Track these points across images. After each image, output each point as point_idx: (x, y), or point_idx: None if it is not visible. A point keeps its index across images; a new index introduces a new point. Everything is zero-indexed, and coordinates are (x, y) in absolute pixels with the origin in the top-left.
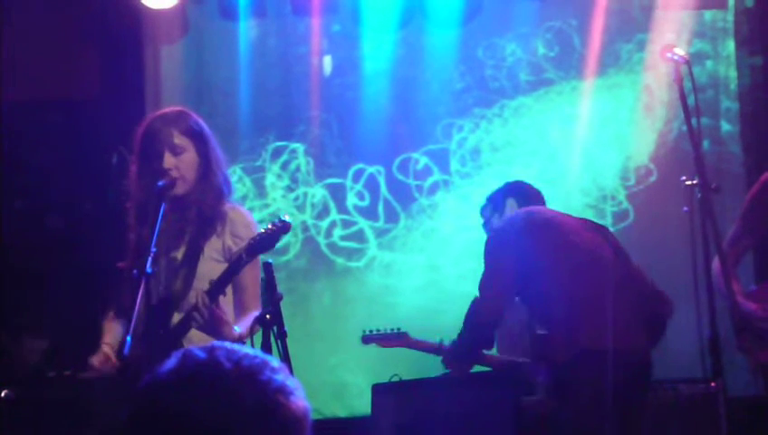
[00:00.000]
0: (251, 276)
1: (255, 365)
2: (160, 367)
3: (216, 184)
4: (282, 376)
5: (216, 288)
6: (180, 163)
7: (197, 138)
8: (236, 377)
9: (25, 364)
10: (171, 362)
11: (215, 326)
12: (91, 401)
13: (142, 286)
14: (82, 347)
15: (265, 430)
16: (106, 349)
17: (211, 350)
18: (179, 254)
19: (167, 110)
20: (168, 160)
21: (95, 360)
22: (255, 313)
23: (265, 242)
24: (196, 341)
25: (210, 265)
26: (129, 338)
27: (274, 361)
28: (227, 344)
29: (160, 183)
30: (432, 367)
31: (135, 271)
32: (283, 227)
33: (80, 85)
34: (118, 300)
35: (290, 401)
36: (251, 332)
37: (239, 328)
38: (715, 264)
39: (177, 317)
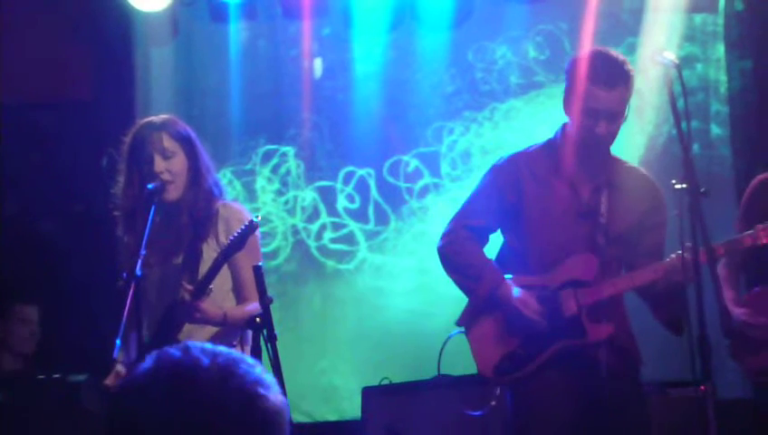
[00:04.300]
0: (251, 273)
1: (232, 360)
2: (136, 369)
3: (206, 188)
4: (258, 372)
5: (201, 287)
6: (171, 166)
7: (186, 142)
8: (215, 371)
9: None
10: (147, 362)
11: (202, 315)
12: (80, 404)
13: (132, 289)
14: (74, 348)
15: (247, 423)
16: (119, 368)
17: (185, 348)
18: (179, 259)
19: (153, 117)
20: (159, 164)
21: (109, 381)
22: (255, 304)
23: (236, 244)
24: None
25: (211, 266)
26: (118, 341)
27: (249, 358)
28: (199, 344)
29: (150, 186)
30: (422, 370)
31: (125, 274)
32: (251, 227)
33: (70, 87)
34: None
35: (268, 397)
36: (242, 316)
37: (225, 308)
38: (720, 267)
39: (187, 324)
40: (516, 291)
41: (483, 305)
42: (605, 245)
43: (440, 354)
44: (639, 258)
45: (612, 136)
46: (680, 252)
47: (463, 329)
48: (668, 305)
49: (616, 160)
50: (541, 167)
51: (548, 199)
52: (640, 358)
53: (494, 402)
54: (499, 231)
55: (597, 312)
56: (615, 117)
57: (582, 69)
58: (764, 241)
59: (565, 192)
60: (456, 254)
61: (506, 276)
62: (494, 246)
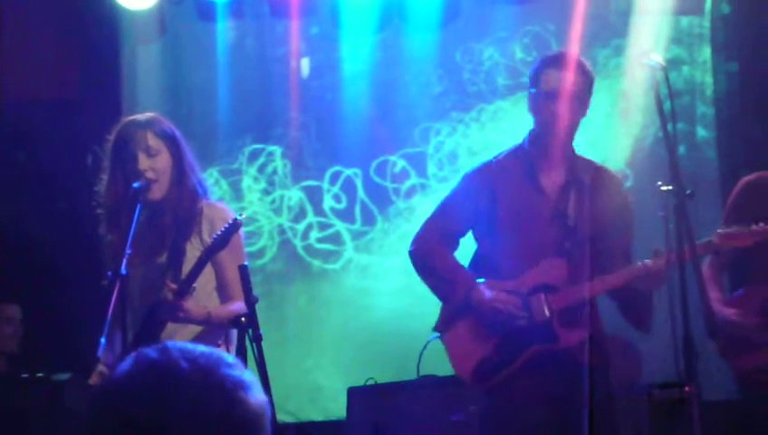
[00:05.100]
0: (235, 272)
1: (212, 362)
2: (115, 370)
3: (190, 187)
4: (238, 371)
5: (184, 286)
6: (155, 164)
7: (170, 140)
8: (195, 372)
9: None
10: (125, 363)
11: (186, 315)
12: (64, 403)
13: (116, 288)
14: (58, 347)
15: (228, 423)
16: (103, 367)
17: (164, 350)
18: (162, 258)
19: (137, 115)
20: (143, 162)
21: (93, 380)
22: (240, 303)
23: (219, 242)
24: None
25: (194, 264)
26: (102, 340)
27: (230, 356)
28: (179, 344)
29: (136, 185)
30: (407, 370)
31: (110, 272)
32: (234, 225)
33: (57, 86)
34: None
35: (249, 396)
36: (226, 315)
37: (209, 308)
38: (705, 268)
39: (170, 323)
40: (489, 292)
41: (457, 309)
42: (574, 248)
43: (419, 359)
44: (608, 259)
45: (573, 122)
46: (647, 260)
47: (438, 335)
48: (636, 308)
49: (581, 159)
50: (512, 173)
51: (520, 205)
52: (611, 359)
53: (473, 408)
54: (472, 239)
55: (568, 316)
56: (572, 99)
57: (538, 63)
58: (726, 244)
59: (536, 197)
60: (428, 256)
61: (478, 280)
62: (465, 253)
